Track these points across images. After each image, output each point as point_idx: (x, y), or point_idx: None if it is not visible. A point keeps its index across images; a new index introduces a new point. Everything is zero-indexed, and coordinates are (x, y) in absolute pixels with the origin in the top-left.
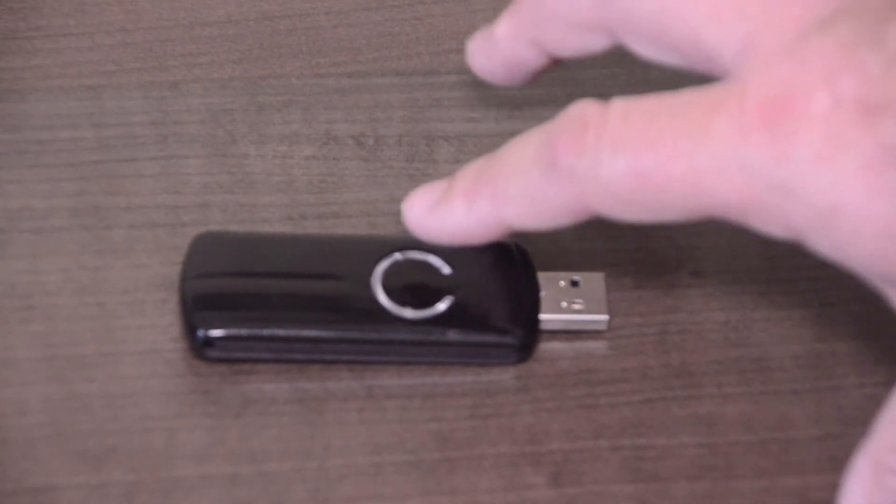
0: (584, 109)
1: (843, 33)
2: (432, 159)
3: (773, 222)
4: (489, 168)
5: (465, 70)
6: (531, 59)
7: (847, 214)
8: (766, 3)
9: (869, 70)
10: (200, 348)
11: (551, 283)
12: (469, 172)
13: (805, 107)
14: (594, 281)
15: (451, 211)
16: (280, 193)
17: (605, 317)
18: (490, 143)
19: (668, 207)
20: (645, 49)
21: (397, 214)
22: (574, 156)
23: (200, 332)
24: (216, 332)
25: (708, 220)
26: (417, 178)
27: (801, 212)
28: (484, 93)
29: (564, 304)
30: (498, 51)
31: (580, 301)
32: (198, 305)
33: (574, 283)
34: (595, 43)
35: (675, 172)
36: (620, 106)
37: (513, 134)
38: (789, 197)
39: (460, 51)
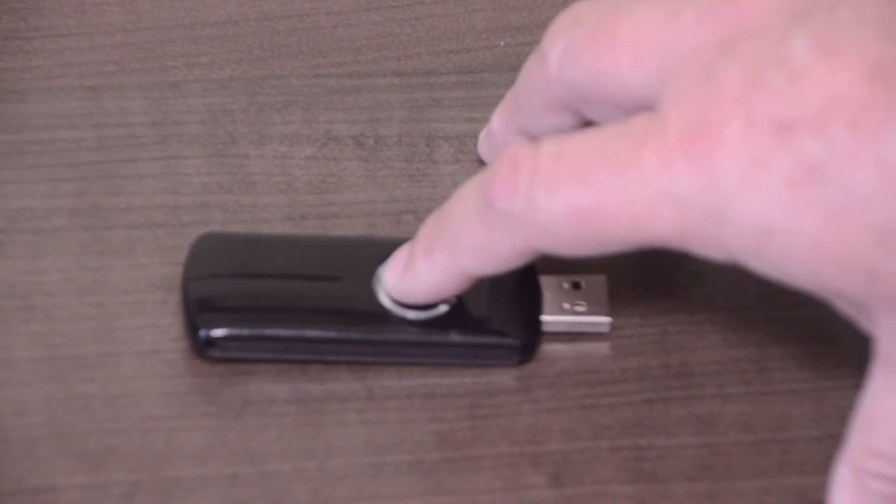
0: (515, 153)
1: (747, 56)
2: (432, 159)
3: (712, 247)
4: (440, 222)
5: (465, 70)
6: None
7: (778, 234)
8: (670, 39)
9: (776, 88)
10: (202, 348)
11: (553, 285)
12: (425, 230)
13: (721, 133)
14: (596, 283)
15: (416, 271)
16: (280, 194)
17: (607, 319)
18: None
19: (609, 242)
20: (596, 114)
21: (397, 215)
22: (509, 199)
23: (202, 333)
24: (218, 333)
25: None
26: (417, 179)
27: (735, 236)
28: (484, 93)
29: (566, 305)
30: (495, 141)
31: (582, 303)
32: (200, 306)
33: (576, 286)
34: (564, 121)
35: (610, 208)
36: (550, 146)
37: None
38: (722, 223)
39: (460, 51)
